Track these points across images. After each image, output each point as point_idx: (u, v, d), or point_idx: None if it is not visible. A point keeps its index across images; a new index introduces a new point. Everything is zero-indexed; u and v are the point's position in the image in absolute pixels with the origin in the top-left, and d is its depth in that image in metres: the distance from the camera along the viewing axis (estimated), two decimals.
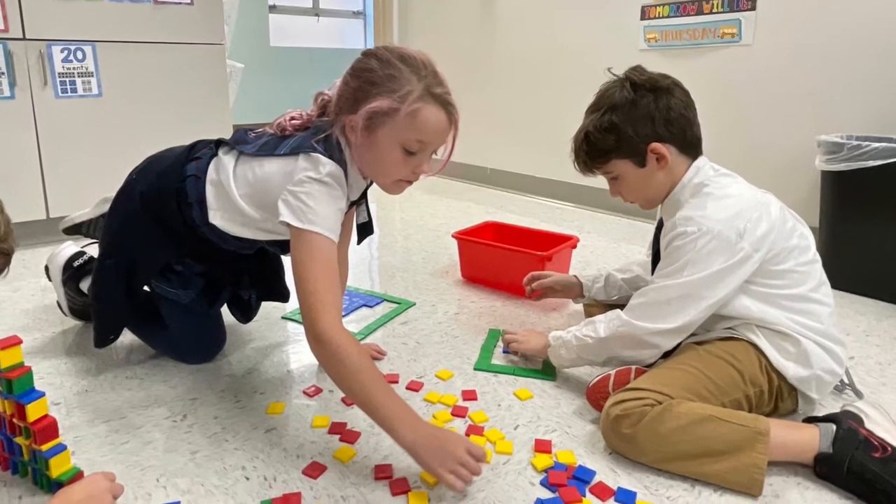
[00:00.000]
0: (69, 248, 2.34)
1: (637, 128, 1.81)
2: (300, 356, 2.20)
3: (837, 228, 2.95)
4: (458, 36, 5.63)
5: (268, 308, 2.45)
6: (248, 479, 1.54)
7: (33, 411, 1.39)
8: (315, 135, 1.69)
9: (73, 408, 1.85)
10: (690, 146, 1.85)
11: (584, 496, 1.49)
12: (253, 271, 2.18)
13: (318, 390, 1.96)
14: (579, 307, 2.57)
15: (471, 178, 5.69)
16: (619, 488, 1.51)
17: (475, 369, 2.11)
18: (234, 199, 1.79)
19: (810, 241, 1.82)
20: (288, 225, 1.60)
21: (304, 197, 1.59)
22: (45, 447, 1.40)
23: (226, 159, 1.84)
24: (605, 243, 3.73)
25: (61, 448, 1.42)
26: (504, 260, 2.82)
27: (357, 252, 3.18)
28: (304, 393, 1.95)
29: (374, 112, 1.60)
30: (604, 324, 1.84)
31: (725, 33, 3.77)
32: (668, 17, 4.05)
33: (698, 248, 1.68)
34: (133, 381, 2.01)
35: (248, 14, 6.01)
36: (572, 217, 4.44)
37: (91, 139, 3.49)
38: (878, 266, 2.83)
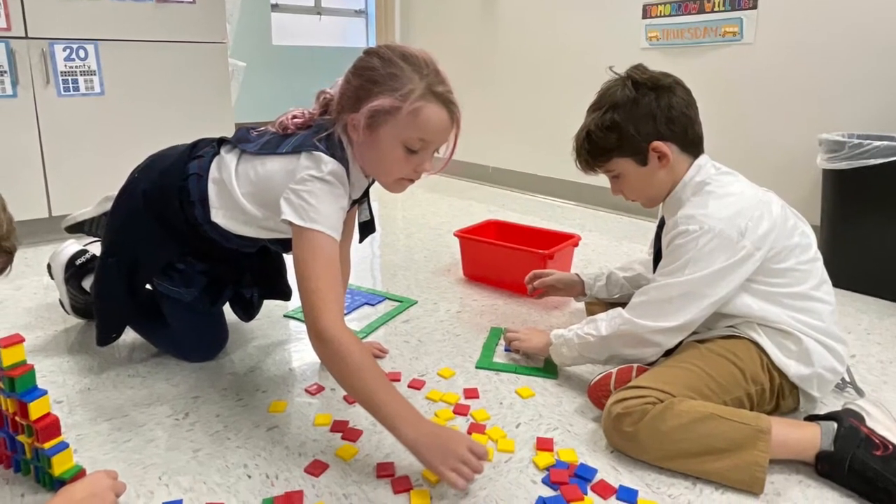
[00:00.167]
0: (71, 246, 2.34)
1: (639, 126, 1.81)
2: (302, 354, 2.21)
3: (838, 227, 2.95)
4: (460, 34, 5.63)
5: (270, 306, 2.45)
6: (250, 477, 1.54)
7: (36, 409, 1.39)
8: (317, 133, 1.69)
9: (76, 406, 1.85)
10: (692, 145, 1.85)
11: (586, 494, 1.49)
12: (255, 270, 2.18)
13: (320, 388, 1.96)
14: (581, 305, 2.58)
15: (472, 176, 5.69)
16: (620, 486, 1.51)
17: (477, 367, 2.12)
18: (236, 197, 1.79)
19: (811, 239, 1.82)
20: (290, 223, 1.60)
21: (306, 195, 1.60)
22: (47, 445, 1.40)
23: (228, 158, 1.84)
24: (606, 242, 3.73)
25: (63, 446, 1.42)
26: (506, 258, 2.82)
27: (359, 250, 3.18)
28: (306, 391, 1.95)
29: (375, 110, 1.60)
30: (605, 322, 1.85)
31: (727, 32, 3.77)
32: (669, 15, 4.05)
33: (700, 247, 1.68)
34: (135, 379, 2.01)
35: (251, 13, 6.01)
36: (574, 215, 4.44)
37: (93, 138, 3.50)
38: (879, 264, 2.83)
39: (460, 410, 1.84)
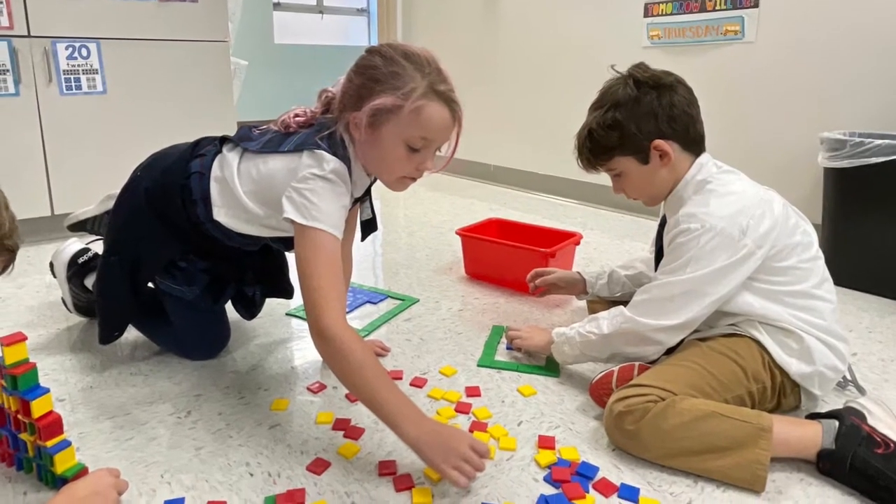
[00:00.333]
0: (74, 244, 2.34)
1: (640, 125, 1.81)
2: (304, 353, 2.21)
3: (840, 225, 2.95)
4: (462, 33, 5.64)
5: (272, 304, 2.45)
6: (252, 475, 1.54)
7: (38, 407, 1.39)
8: (319, 132, 1.69)
9: (78, 404, 1.85)
10: (693, 143, 1.85)
11: (588, 492, 1.49)
12: (257, 268, 2.18)
13: (322, 387, 1.96)
14: (583, 304, 2.58)
15: (474, 174, 5.69)
16: (622, 484, 1.52)
17: (479, 366, 2.12)
18: (238, 195, 1.79)
19: (813, 237, 1.82)
20: (292, 221, 1.60)
21: (308, 194, 1.60)
22: (49, 443, 1.41)
23: (230, 156, 1.84)
24: (608, 240, 3.73)
25: (66, 444, 1.42)
26: (508, 256, 2.83)
27: (361, 249, 3.19)
28: (308, 389, 1.95)
29: (377, 109, 1.60)
30: (607, 320, 1.85)
31: (728, 30, 3.77)
32: (671, 14, 4.05)
33: (701, 245, 1.68)
34: (137, 377, 2.01)
35: (253, 11, 6.02)
36: (576, 214, 4.44)
37: (95, 136, 3.50)
38: (880, 263, 2.83)
39: (462, 408, 1.85)
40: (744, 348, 1.73)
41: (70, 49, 3.33)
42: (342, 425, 1.75)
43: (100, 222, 2.43)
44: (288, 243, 1.84)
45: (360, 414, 1.79)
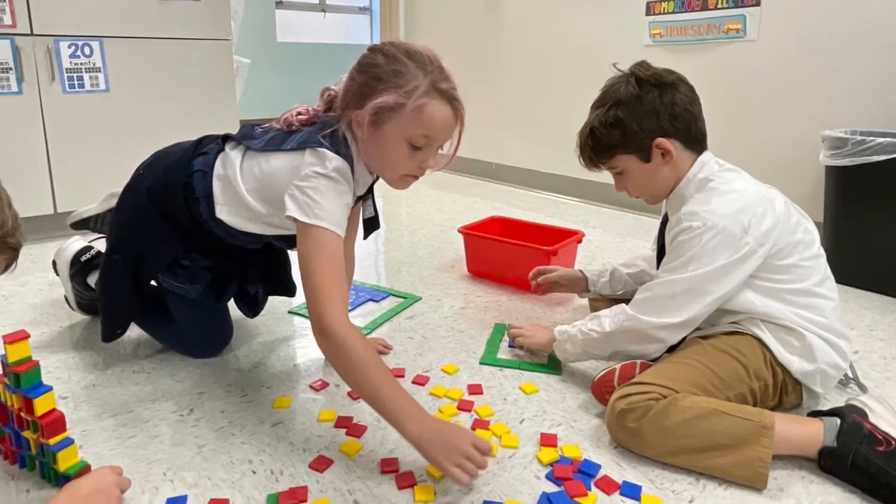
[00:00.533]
0: (77, 242, 2.35)
1: (642, 123, 1.81)
2: (307, 350, 2.21)
3: (842, 223, 2.95)
4: (464, 31, 5.64)
5: (274, 302, 2.46)
6: (254, 472, 1.55)
7: (41, 405, 1.40)
8: (321, 130, 1.70)
9: (81, 402, 1.85)
10: (695, 141, 1.85)
11: (590, 490, 1.50)
12: (260, 266, 2.18)
13: (325, 384, 1.96)
14: (584, 302, 2.58)
15: (477, 173, 5.69)
16: (624, 482, 1.52)
17: (481, 363, 2.12)
18: (240, 193, 1.79)
19: (815, 235, 1.82)
20: (294, 220, 1.61)
21: (310, 192, 1.60)
22: (52, 441, 1.41)
23: (233, 154, 1.84)
24: (610, 238, 3.73)
25: (69, 442, 1.43)
26: (510, 255, 2.83)
27: (363, 247, 3.20)
28: (311, 387, 1.95)
29: (380, 107, 1.61)
30: (609, 318, 1.85)
31: (730, 29, 3.77)
32: (673, 12, 4.04)
33: (703, 243, 1.68)
34: (140, 375, 2.02)
35: (255, 10, 6.02)
36: (578, 212, 4.44)
37: (98, 134, 3.50)
38: (882, 261, 2.83)
39: (464, 406, 1.85)
40: (746, 346, 1.73)
41: (73, 47, 3.34)
42: (344, 423, 1.75)
43: (102, 220, 2.43)
44: (291, 241, 1.84)
45: (363, 412, 1.79)
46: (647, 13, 4.20)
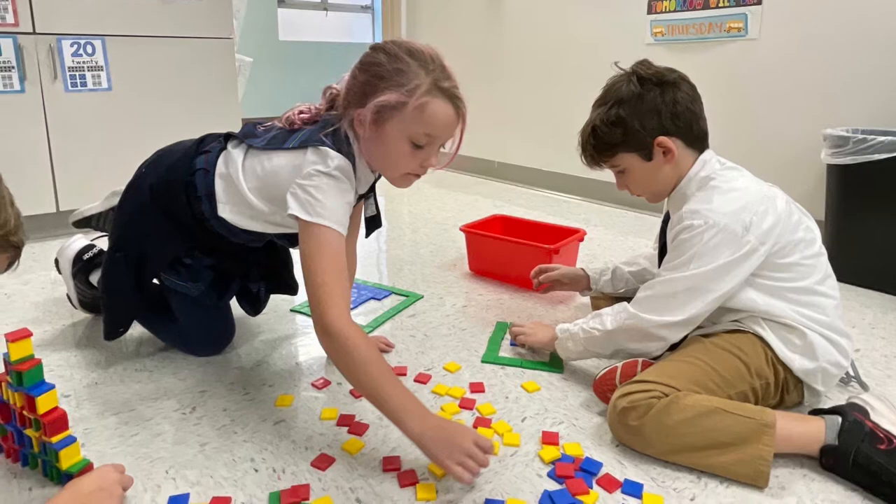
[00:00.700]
0: (79, 241, 2.35)
1: (644, 121, 1.81)
2: (309, 349, 2.21)
3: (843, 222, 2.95)
4: (466, 30, 5.64)
5: (276, 301, 2.46)
6: (256, 470, 1.55)
7: (43, 403, 1.40)
8: (323, 128, 1.70)
9: (83, 400, 1.86)
10: (697, 140, 1.85)
11: (591, 488, 1.50)
12: (262, 264, 2.18)
13: (327, 382, 1.97)
14: (586, 300, 2.58)
15: (478, 171, 5.69)
16: (625, 480, 1.52)
17: (483, 362, 2.12)
18: (242, 192, 1.80)
19: (816, 234, 1.82)
20: (296, 218, 1.61)
21: (312, 190, 1.60)
22: (54, 439, 1.41)
23: (235, 153, 1.84)
24: (611, 236, 3.73)
25: (71, 440, 1.43)
26: (511, 253, 2.83)
27: (365, 245, 3.20)
28: (313, 385, 1.96)
29: (382, 106, 1.61)
30: (611, 316, 1.85)
31: (732, 27, 3.77)
32: (674, 11, 4.04)
33: (705, 241, 1.68)
34: (142, 373, 2.02)
35: (257, 8, 6.02)
36: (579, 210, 4.44)
37: (100, 133, 3.51)
38: (883, 259, 2.83)
39: (466, 404, 1.85)
40: (747, 344, 1.73)
41: (75, 46, 3.34)
42: (346, 421, 1.75)
43: (105, 219, 2.43)
44: (293, 240, 1.84)
45: (365, 410, 1.79)
46: (649, 12, 4.20)
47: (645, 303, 1.79)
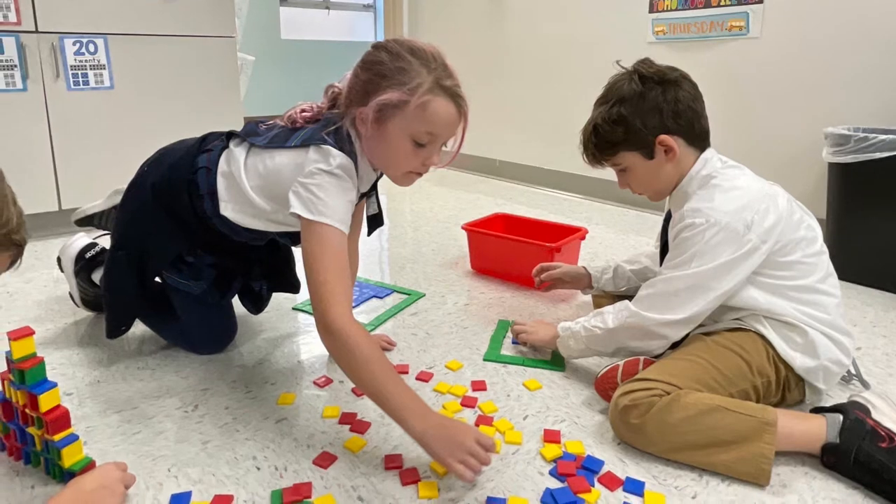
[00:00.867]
0: (81, 239, 2.35)
1: (645, 120, 1.81)
2: (311, 347, 2.22)
3: (844, 220, 2.95)
4: (468, 29, 5.64)
5: (279, 299, 2.47)
6: (259, 468, 1.55)
7: (46, 401, 1.40)
8: (325, 127, 1.70)
9: (86, 398, 1.86)
10: (698, 138, 1.86)
11: (593, 486, 1.50)
12: (264, 262, 2.19)
13: (329, 381, 1.97)
14: (588, 298, 2.58)
15: (480, 169, 5.69)
16: (627, 478, 1.52)
17: (484, 360, 2.12)
18: (245, 190, 1.80)
19: (817, 232, 1.82)
20: (298, 216, 1.61)
21: (314, 188, 1.60)
22: (57, 437, 1.41)
23: (237, 151, 1.84)
24: (613, 235, 3.73)
25: (73, 438, 1.43)
26: (513, 251, 2.83)
27: (367, 243, 3.20)
28: (315, 383, 1.96)
29: (384, 104, 1.61)
30: (612, 315, 1.85)
31: (733, 26, 3.77)
32: (676, 9, 4.04)
33: (706, 240, 1.69)
34: (145, 371, 2.02)
35: (259, 7, 6.03)
36: (581, 209, 4.44)
37: (103, 131, 3.51)
38: (884, 257, 2.83)
39: (468, 402, 1.85)
40: (748, 343, 1.73)
41: (77, 44, 3.34)
42: (348, 419, 1.76)
43: (107, 217, 2.44)
44: (295, 238, 1.84)
45: (367, 408, 1.79)
46: (651, 10, 4.20)
47: (646, 301, 1.79)
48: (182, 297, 2.05)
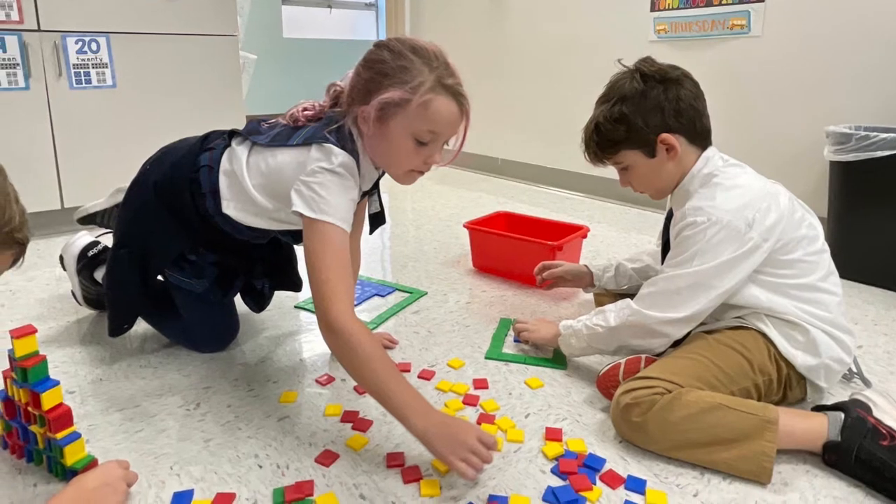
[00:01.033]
0: (84, 237, 2.35)
1: (647, 118, 1.81)
2: (313, 345, 2.22)
3: (846, 218, 2.95)
4: (470, 27, 5.64)
5: (281, 297, 2.47)
6: (261, 466, 1.55)
7: (48, 400, 1.40)
8: (327, 125, 1.70)
9: (88, 396, 1.86)
10: (700, 137, 1.86)
11: (595, 484, 1.50)
12: (266, 261, 2.19)
13: (331, 379, 1.97)
14: (590, 296, 2.58)
15: (482, 168, 5.69)
16: (628, 476, 1.52)
17: (486, 358, 2.12)
18: (247, 189, 1.80)
19: (819, 230, 1.82)
20: (301, 215, 1.61)
21: (316, 187, 1.60)
22: (59, 435, 1.41)
23: (239, 150, 1.85)
24: (615, 233, 3.73)
25: (76, 436, 1.43)
26: (515, 249, 2.83)
27: (369, 242, 3.20)
28: (317, 381, 1.96)
29: (386, 103, 1.61)
30: (614, 313, 1.85)
31: (735, 25, 3.77)
32: (677, 8, 4.04)
33: (708, 238, 1.69)
34: (147, 369, 2.02)
35: (261, 5, 6.02)
36: (583, 207, 4.44)
37: (105, 130, 3.51)
38: (886, 256, 2.83)
39: (470, 401, 1.85)
40: (750, 341, 1.73)
41: (80, 43, 3.35)
42: (350, 417, 1.76)
43: (109, 216, 2.44)
44: (297, 236, 1.85)
45: (369, 406, 1.80)
46: (652, 9, 4.20)
47: (648, 299, 1.79)
48: (184, 296, 2.06)
